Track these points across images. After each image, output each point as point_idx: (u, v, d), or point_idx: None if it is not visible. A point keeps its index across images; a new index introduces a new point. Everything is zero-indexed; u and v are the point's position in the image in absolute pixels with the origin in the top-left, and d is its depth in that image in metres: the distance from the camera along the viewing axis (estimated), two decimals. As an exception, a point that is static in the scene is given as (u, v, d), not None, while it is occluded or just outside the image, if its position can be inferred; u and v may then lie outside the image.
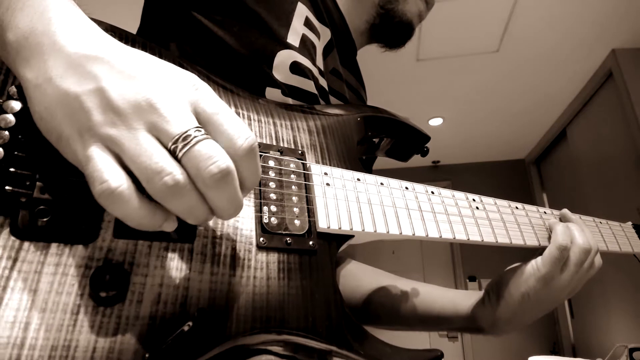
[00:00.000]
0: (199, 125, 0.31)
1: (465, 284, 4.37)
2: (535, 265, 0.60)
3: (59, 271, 0.33)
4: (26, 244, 0.33)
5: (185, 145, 0.30)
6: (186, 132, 0.30)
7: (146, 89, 0.31)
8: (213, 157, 0.30)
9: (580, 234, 0.61)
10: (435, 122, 3.98)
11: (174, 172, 0.29)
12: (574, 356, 3.67)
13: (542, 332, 4.14)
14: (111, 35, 0.35)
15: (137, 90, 0.30)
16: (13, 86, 0.35)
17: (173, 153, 0.30)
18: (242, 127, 0.33)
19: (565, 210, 0.68)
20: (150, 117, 0.30)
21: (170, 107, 0.31)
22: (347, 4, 0.77)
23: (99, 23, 0.39)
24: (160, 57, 0.46)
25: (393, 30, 0.79)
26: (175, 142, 0.30)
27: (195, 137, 0.30)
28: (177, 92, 0.32)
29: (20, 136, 0.34)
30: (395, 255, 4.63)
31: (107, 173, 0.29)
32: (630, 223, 0.84)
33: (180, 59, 0.49)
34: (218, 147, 0.31)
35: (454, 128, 4.10)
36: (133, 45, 0.44)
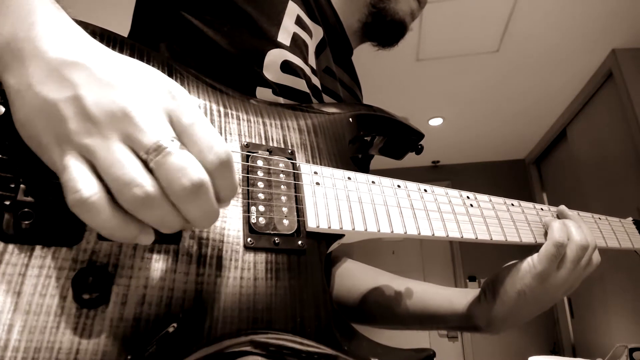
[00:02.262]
0: (174, 136, 0.31)
1: (465, 283, 4.37)
2: (531, 263, 0.59)
3: (42, 273, 0.33)
4: (10, 247, 0.33)
5: (157, 156, 0.30)
6: (159, 142, 0.30)
7: (122, 98, 0.30)
8: (185, 168, 0.30)
9: (578, 230, 0.60)
10: (435, 122, 3.97)
11: (144, 183, 0.29)
12: (574, 356, 3.67)
13: (542, 332, 4.14)
14: (98, 38, 0.35)
15: (113, 98, 0.30)
16: None
17: (146, 163, 0.30)
18: (216, 139, 0.33)
19: (563, 207, 0.68)
20: (125, 127, 0.30)
21: (145, 116, 0.30)
22: (340, 3, 0.77)
23: (86, 25, 0.39)
24: (149, 59, 0.46)
25: (385, 29, 0.79)
26: (148, 152, 0.30)
27: (168, 148, 0.30)
28: (153, 100, 0.32)
29: (3, 139, 0.34)
30: (395, 255, 4.63)
31: (80, 182, 0.29)
32: (630, 219, 0.83)
33: (169, 60, 0.49)
34: (191, 159, 0.30)
35: (454, 128, 4.09)
36: (121, 48, 0.44)
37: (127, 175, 0.29)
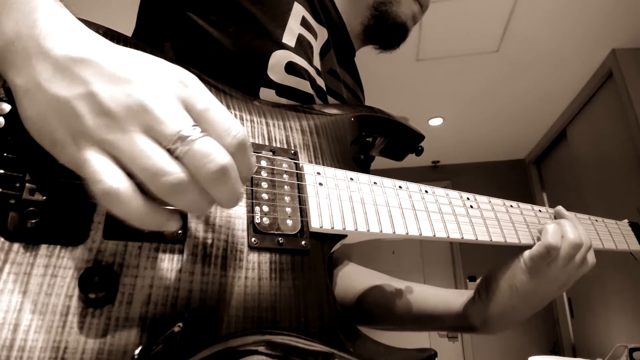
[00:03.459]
0: (193, 123, 0.32)
1: (466, 284, 4.37)
2: (522, 259, 0.60)
3: (48, 272, 0.33)
4: (15, 246, 0.33)
5: (183, 145, 0.30)
6: (182, 131, 0.31)
7: (137, 91, 0.31)
8: (211, 154, 0.31)
9: (572, 229, 0.60)
10: (435, 122, 3.97)
11: (175, 171, 0.30)
12: (574, 356, 3.67)
13: (542, 332, 4.14)
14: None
15: (127, 92, 0.30)
16: (1, 88, 0.35)
17: (172, 152, 0.31)
18: (232, 122, 0.33)
19: (560, 208, 0.68)
20: (145, 119, 0.30)
21: (163, 107, 0.31)
22: (343, 5, 0.77)
23: (89, 24, 0.39)
24: None
25: (387, 32, 0.79)
26: (173, 142, 0.30)
27: (191, 135, 0.31)
28: (167, 90, 0.32)
29: (9, 138, 0.34)
30: (395, 255, 4.63)
31: (105, 174, 0.29)
32: (626, 221, 0.84)
33: (173, 60, 0.49)
34: (215, 144, 0.31)
35: (454, 128, 4.10)
36: (124, 46, 0.44)
37: (157, 165, 0.29)
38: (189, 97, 0.33)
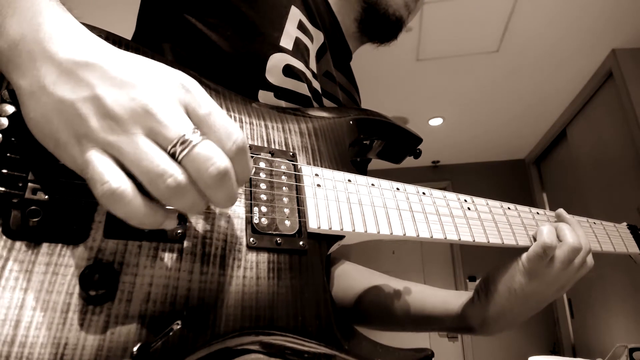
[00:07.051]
0: (194, 127, 0.33)
1: (465, 284, 4.37)
2: (520, 261, 0.61)
3: (49, 270, 0.34)
4: (18, 244, 0.33)
5: (184, 148, 0.31)
6: (184, 135, 0.31)
7: (140, 95, 0.31)
8: (212, 158, 0.32)
9: (571, 233, 0.61)
10: (435, 122, 3.98)
11: (176, 174, 0.31)
12: (574, 356, 3.67)
13: (542, 332, 4.14)
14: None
15: (131, 96, 0.31)
16: (5, 90, 0.36)
17: (172, 156, 0.32)
18: (233, 127, 0.35)
19: (561, 210, 0.68)
20: (147, 122, 0.31)
21: (165, 111, 0.32)
22: (337, 5, 0.77)
23: (91, 28, 0.40)
24: None
25: (380, 24, 0.78)
26: (174, 145, 0.31)
27: (192, 140, 0.32)
28: (169, 95, 0.33)
29: (12, 138, 0.35)
30: (395, 256, 4.63)
31: (107, 174, 0.30)
32: (625, 224, 0.84)
33: (172, 64, 0.50)
34: (215, 148, 0.32)
35: (454, 128, 4.10)
36: (125, 50, 0.44)
37: (159, 167, 0.30)
38: (191, 101, 0.34)
